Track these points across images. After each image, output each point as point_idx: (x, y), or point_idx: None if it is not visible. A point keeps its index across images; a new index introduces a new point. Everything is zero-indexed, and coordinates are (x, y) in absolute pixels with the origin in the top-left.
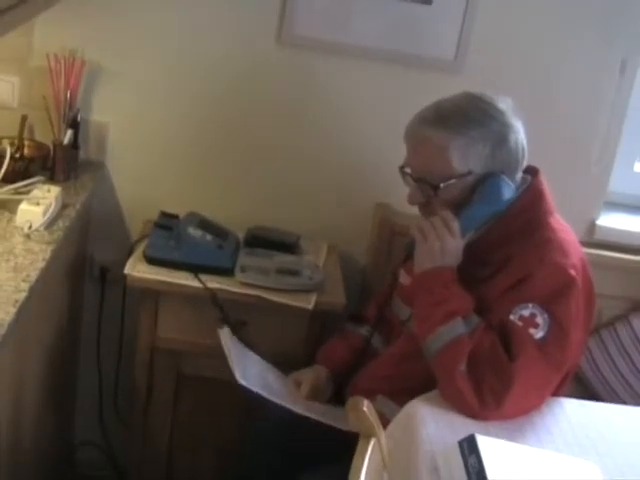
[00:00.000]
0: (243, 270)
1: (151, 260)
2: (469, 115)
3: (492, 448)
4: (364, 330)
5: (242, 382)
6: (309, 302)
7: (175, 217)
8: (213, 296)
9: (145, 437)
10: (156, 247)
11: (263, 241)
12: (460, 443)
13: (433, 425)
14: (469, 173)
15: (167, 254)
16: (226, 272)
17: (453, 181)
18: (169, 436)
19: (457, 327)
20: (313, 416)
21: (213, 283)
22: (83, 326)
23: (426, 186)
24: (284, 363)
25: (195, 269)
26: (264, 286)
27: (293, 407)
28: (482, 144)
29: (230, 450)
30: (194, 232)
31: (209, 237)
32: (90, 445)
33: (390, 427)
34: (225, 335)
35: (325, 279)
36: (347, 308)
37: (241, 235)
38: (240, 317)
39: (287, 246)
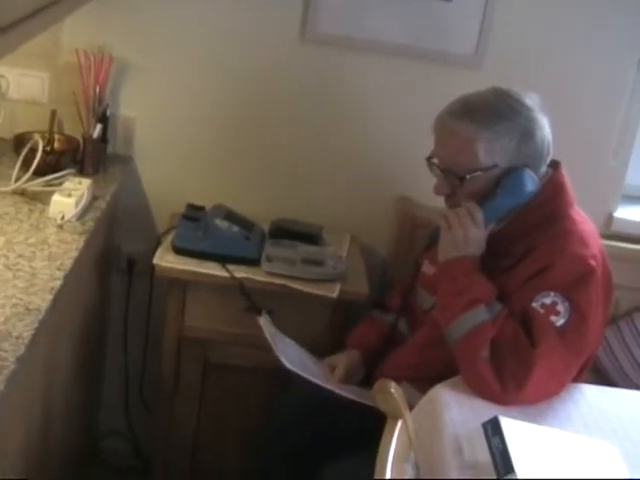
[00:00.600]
0: (269, 260)
1: (179, 250)
2: (497, 110)
3: (515, 429)
4: (389, 317)
5: (287, 365)
6: (333, 291)
7: (202, 209)
8: (241, 285)
9: (171, 425)
10: (184, 238)
11: (287, 232)
12: (484, 425)
13: (456, 409)
14: (494, 166)
15: (195, 245)
16: (252, 262)
17: (479, 173)
18: (195, 423)
19: (480, 314)
20: (352, 397)
21: (240, 273)
22: (109, 316)
23: (452, 177)
24: (313, 351)
25: (222, 259)
26: (290, 275)
27: (333, 388)
28: (508, 138)
29: (255, 437)
30: (221, 223)
31: (235, 228)
32: (115, 434)
33: (414, 412)
34: (265, 321)
35: (348, 269)
36: (370, 297)
37: (265, 227)
38: (266, 305)
39: (310, 237)
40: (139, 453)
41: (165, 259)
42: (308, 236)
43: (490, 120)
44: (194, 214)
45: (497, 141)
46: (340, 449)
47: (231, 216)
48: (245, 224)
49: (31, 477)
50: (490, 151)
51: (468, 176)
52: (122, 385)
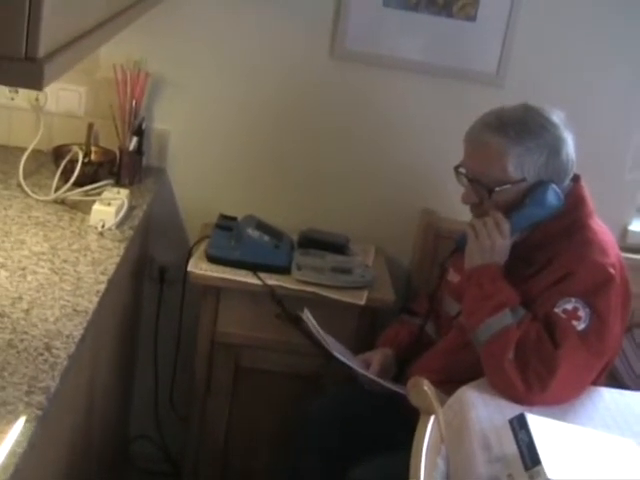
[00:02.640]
0: (299, 268)
1: (212, 259)
2: (528, 126)
3: (540, 425)
4: (418, 320)
5: (336, 354)
6: (361, 298)
7: (234, 219)
8: (272, 292)
9: (202, 428)
10: (217, 247)
11: (315, 242)
12: (510, 421)
13: (482, 407)
14: (523, 180)
15: (228, 253)
16: (283, 270)
17: (508, 186)
18: (226, 427)
19: (505, 318)
20: (392, 387)
21: (271, 280)
22: (141, 323)
23: (480, 188)
24: None
25: (254, 267)
26: (319, 283)
27: (375, 378)
28: (538, 154)
29: (286, 440)
30: (252, 233)
31: (266, 238)
32: (145, 438)
33: (442, 410)
34: (308, 315)
35: (374, 277)
36: (395, 304)
37: (294, 237)
38: (295, 312)
39: (338, 247)
40: (169, 458)
41: (199, 267)
42: (335, 246)
43: (521, 136)
44: (227, 224)
45: (527, 156)
46: (371, 451)
47: (261, 226)
48: (275, 234)
49: (73, 470)
50: (520, 165)
51: (497, 188)
52: (152, 391)
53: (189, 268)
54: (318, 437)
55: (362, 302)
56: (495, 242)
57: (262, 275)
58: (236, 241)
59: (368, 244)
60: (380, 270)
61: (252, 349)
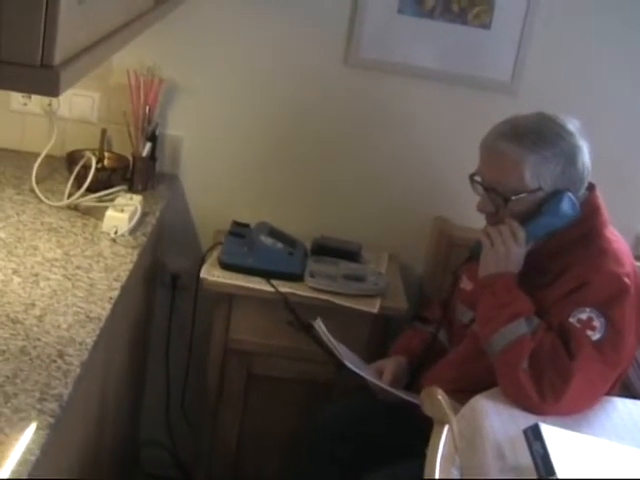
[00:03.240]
0: (312, 276)
1: (225, 266)
2: (543, 135)
3: (555, 435)
4: (430, 328)
5: (347, 364)
6: (374, 306)
7: (247, 226)
8: (285, 300)
9: (214, 435)
10: (230, 254)
11: (328, 249)
12: (525, 431)
13: (496, 417)
14: (539, 189)
15: (241, 260)
16: (296, 278)
17: (524, 195)
18: (237, 433)
19: (520, 327)
20: (405, 397)
21: (285, 288)
22: (152, 329)
23: (496, 196)
24: None
25: (267, 275)
26: (333, 291)
27: (388, 388)
28: (554, 163)
29: (298, 448)
30: (266, 240)
31: (280, 245)
32: (155, 444)
33: (456, 419)
34: (320, 325)
35: (388, 285)
36: (408, 312)
37: (307, 244)
38: (307, 319)
39: (351, 254)
40: (179, 464)
41: (212, 273)
42: (348, 253)
43: (537, 144)
44: (240, 231)
45: (543, 165)
46: (384, 460)
47: (275, 233)
48: (288, 241)
49: (84, 475)
50: (536, 174)
51: (514, 197)
52: (164, 397)
53: (202, 275)
54: (330, 445)
55: (375, 310)
56: (510, 250)
57: (275, 282)
58: (249, 248)
59: (381, 251)
60: (393, 277)
61: (264, 356)
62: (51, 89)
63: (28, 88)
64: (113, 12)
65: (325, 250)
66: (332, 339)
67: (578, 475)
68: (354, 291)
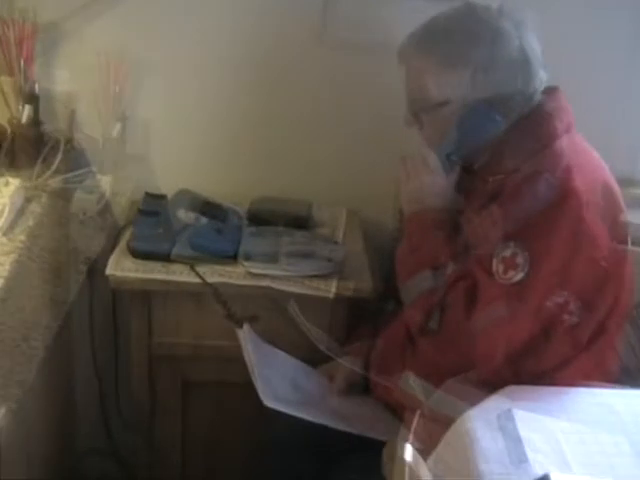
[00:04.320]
0: (247, 258)
1: (137, 254)
2: (454, 37)
3: (528, 420)
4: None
5: (268, 404)
6: (329, 289)
7: (162, 197)
8: (215, 292)
9: (154, 449)
10: (141, 238)
11: (269, 215)
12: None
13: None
14: (446, 102)
15: (155, 246)
16: (228, 260)
17: (430, 109)
18: (180, 447)
19: (425, 280)
20: (349, 429)
21: (214, 276)
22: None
23: (411, 116)
24: (307, 360)
25: (190, 260)
26: (273, 275)
27: (327, 422)
28: (461, 70)
29: (251, 461)
30: (185, 216)
31: (204, 220)
32: (96, 453)
33: (439, 449)
34: (245, 336)
35: (346, 257)
36: (376, 289)
37: (243, 210)
38: (248, 312)
39: (298, 219)
40: (124, 470)
41: (121, 267)
42: (295, 218)
43: (443, 49)
44: (153, 206)
45: (447, 73)
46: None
47: (197, 205)
48: (216, 212)
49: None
50: (440, 85)
51: (422, 114)
52: (97, 403)
53: (107, 271)
54: (289, 461)
55: (330, 294)
56: (424, 182)
57: (202, 269)
58: (165, 229)
59: (338, 207)
60: (354, 243)
61: (200, 360)
62: None
63: None
64: None
65: (265, 217)
66: (260, 355)
67: (550, 460)
68: (301, 272)
